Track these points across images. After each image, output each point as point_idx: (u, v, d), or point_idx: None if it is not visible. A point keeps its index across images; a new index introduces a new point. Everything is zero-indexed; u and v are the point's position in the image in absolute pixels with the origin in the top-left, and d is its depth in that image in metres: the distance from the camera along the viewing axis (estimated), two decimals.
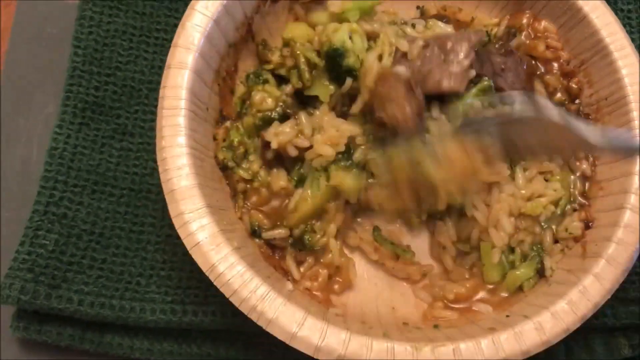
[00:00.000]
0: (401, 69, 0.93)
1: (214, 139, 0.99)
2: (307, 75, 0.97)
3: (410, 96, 0.91)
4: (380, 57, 0.95)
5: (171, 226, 0.93)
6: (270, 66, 1.03)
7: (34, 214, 0.95)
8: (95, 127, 1.02)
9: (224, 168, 0.98)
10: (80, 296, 0.92)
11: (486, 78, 0.96)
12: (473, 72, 0.95)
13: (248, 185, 0.98)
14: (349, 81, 0.95)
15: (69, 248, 0.95)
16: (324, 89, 0.98)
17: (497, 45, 1.04)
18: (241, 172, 0.97)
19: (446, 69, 0.94)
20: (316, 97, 0.98)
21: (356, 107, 0.96)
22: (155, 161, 0.88)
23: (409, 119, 0.90)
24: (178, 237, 0.93)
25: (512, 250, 0.96)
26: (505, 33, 1.08)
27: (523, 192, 0.96)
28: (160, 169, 0.87)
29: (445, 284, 0.98)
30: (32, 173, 1.02)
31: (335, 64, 0.95)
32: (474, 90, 0.95)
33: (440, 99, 0.95)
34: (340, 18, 1.01)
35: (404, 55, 0.96)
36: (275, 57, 1.02)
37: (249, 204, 0.98)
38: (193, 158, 0.88)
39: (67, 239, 0.95)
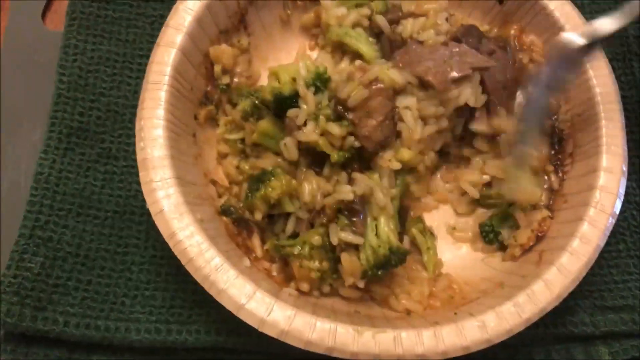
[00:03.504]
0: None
1: (195, 118, 1.03)
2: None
3: (387, 124, 0.95)
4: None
5: (155, 247, 1.00)
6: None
7: (20, 237, 0.97)
8: (80, 152, 1.05)
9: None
10: (66, 317, 0.94)
11: None
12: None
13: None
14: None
15: (55, 270, 0.97)
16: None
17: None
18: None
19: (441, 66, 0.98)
20: None
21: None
22: (139, 183, 0.91)
23: (373, 145, 0.95)
24: (162, 258, 1.00)
25: None
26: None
27: None
28: (136, 138, 0.92)
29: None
30: (21, 199, 1.01)
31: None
32: None
33: None
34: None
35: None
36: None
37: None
38: (169, 132, 0.93)
39: (52, 262, 0.97)
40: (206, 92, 1.06)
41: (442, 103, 0.98)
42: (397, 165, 0.96)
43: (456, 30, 1.05)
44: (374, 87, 0.95)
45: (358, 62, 1.00)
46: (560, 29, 1.04)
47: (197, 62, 1.02)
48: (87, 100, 1.08)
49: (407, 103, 0.97)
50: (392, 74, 0.97)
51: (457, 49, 1.00)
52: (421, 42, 1.03)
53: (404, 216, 1.02)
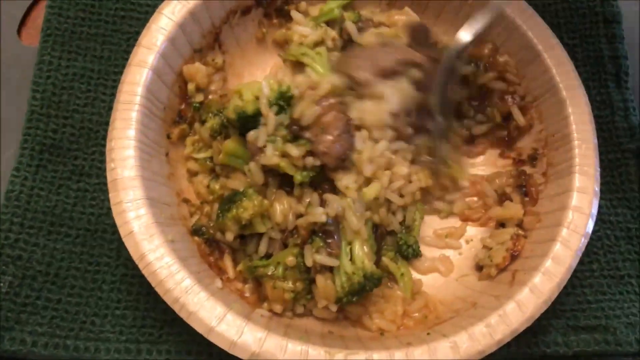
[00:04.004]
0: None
1: (168, 137, 1.02)
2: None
3: (344, 137, 0.95)
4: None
5: (126, 266, 0.99)
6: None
7: None
8: (52, 169, 1.04)
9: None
10: (34, 337, 0.93)
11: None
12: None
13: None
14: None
15: (23, 289, 0.96)
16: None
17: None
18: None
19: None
20: None
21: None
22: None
23: (333, 160, 0.94)
24: (133, 277, 0.99)
25: None
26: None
27: None
28: (107, 158, 0.91)
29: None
30: None
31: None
32: None
33: None
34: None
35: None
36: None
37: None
38: (140, 152, 0.92)
39: (21, 281, 0.96)
40: (180, 111, 1.05)
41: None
42: (353, 195, 0.95)
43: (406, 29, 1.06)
44: (324, 103, 0.95)
45: (304, 79, 0.99)
46: (533, 48, 1.05)
47: (170, 81, 1.01)
48: (61, 117, 1.07)
49: (358, 114, 0.97)
50: (332, 79, 0.97)
51: (392, 49, 1.01)
52: (362, 45, 1.03)
53: (379, 236, 1.02)
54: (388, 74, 0.98)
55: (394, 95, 0.98)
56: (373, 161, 0.96)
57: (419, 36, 1.05)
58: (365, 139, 0.97)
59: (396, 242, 1.03)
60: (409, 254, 1.02)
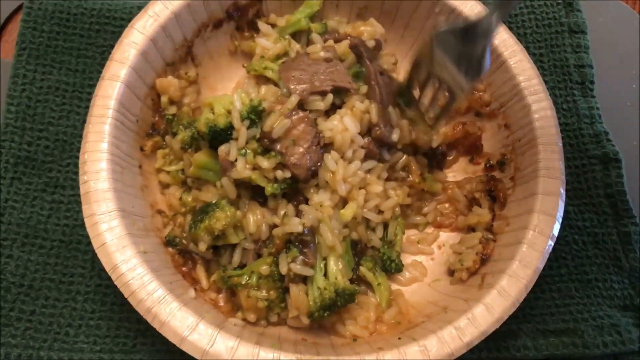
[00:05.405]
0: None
1: (142, 149, 1.03)
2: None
3: (313, 149, 0.96)
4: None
5: (101, 276, 1.00)
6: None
7: None
8: (27, 181, 1.05)
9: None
10: (7, 349, 0.93)
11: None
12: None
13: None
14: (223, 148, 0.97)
15: None
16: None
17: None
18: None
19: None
20: None
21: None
22: None
23: (304, 171, 0.95)
24: (107, 287, 1.00)
25: None
26: None
27: None
28: (80, 171, 0.92)
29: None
30: None
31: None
32: None
33: None
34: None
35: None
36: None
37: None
38: (113, 164, 0.93)
39: None
40: (153, 123, 1.06)
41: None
42: (329, 212, 0.96)
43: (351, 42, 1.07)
44: (294, 116, 0.97)
45: (269, 91, 1.01)
46: (499, 56, 1.07)
47: (143, 95, 1.02)
48: (36, 129, 1.08)
49: (328, 126, 0.98)
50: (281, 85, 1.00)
51: (333, 67, 1.02)
52: (309, 55, 1.05)
53: (359, 251, 1.03)
54: (317, 93, 0.99)
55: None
56: (347, 181, 0.97)
57: (365, 50, 1.07)
58: (337, 159, 0.98)
59: (378, 257, 1.04)
60: (392, 268, 1.03)
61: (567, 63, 1.22)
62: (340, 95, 1.01)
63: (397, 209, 1.04)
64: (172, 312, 0.85)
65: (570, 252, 1.08)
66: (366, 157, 1.01)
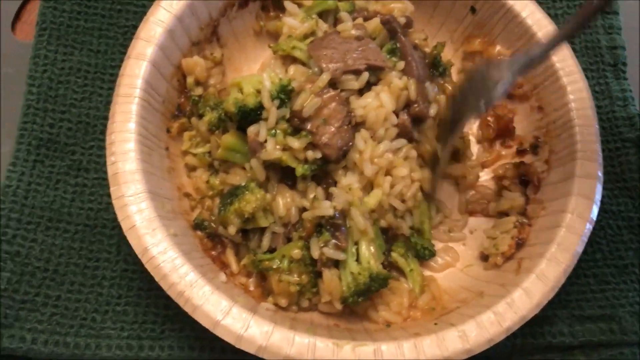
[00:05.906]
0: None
1: (168, 131, 1.01)
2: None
3: (344, 129, 0.94)
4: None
5: (127, 261, 0.98)
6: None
7: None
8: (49, 164, 1.03)
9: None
10: (33, 335, 0.91)
11: None
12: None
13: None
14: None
15: (22, 286, 0.94)
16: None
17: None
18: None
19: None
20: None
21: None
22: (110, 196, 0.88)
23: (335, 151, 0.93)
24: (134, 272, 0.97)
25: None
26: None
27: None
28: (107, 152, 0.90)
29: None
30: None
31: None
32: None
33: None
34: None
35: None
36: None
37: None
38: (140, 145, 0.91)
39: (20, 277, 0.94)
40: (179, 105, 1.04)
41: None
42: (358, 194, 0.93)
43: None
44: (325, 95, 0.94)
45: (298, 71, 0.98)
46: (533, 36, 1.05)
47: (169, 75, 1.00)
48: (58, 111, 1.06)
49: (361, 104, 0.96)
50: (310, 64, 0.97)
51: (365, 46, 0.99)
52: (339, 33, 1.01)
53: (391, 238, 1.01)
54: (350, 72, 0.97)
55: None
56: (374, 162, 0.95)
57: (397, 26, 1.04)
58: (367, 138, 0.95)
59: (411, 245, 1.01)
60: (426, 255, 1.01)
61: (599, 44, 1.19)
62: (376, 73, 0.98)
63: (418, 194, 1.01)
64: (204, 296, 0.83)
65: (605, 236, 1.06)
66: (397, 136, 0.98)
